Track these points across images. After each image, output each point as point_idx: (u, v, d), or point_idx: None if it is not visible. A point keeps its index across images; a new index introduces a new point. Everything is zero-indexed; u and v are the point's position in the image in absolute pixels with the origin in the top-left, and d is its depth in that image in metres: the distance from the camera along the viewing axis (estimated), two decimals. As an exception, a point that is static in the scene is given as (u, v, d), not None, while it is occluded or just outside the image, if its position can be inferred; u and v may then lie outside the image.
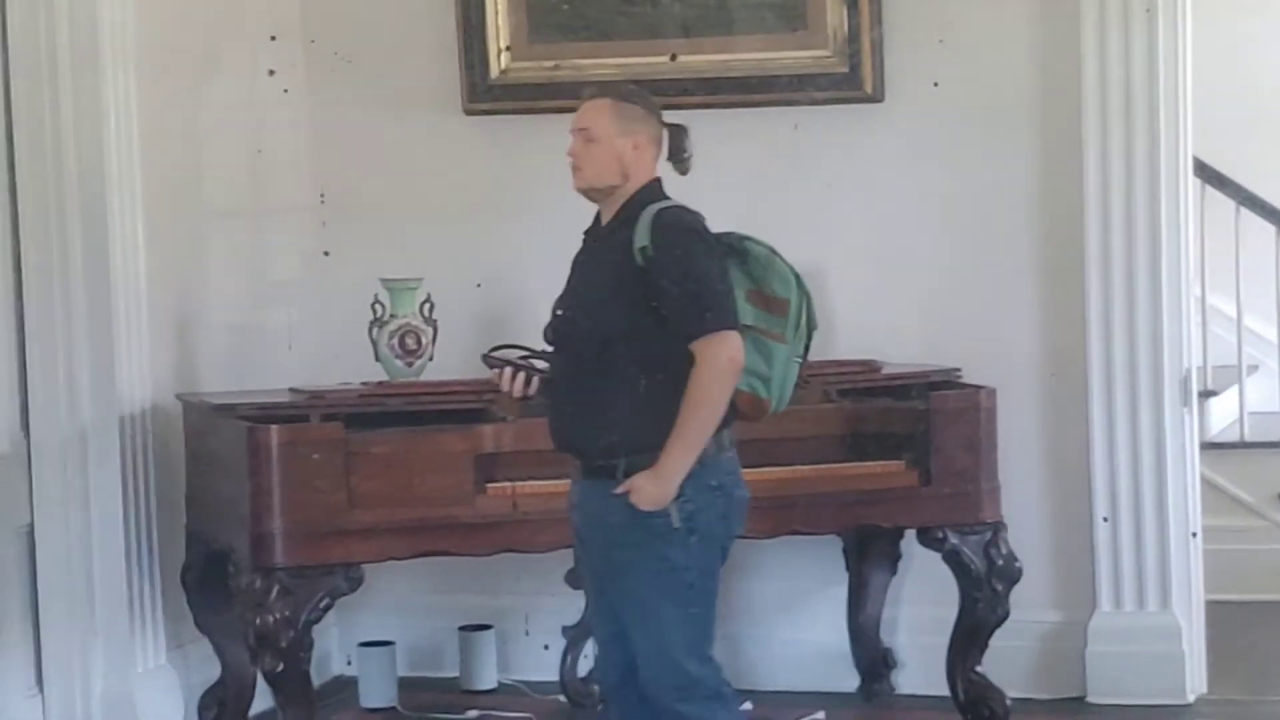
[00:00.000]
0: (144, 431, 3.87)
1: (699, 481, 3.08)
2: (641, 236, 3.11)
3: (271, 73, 4.09)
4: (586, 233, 3.29)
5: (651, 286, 3.10)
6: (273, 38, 4.10)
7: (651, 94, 3.38)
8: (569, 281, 3.28)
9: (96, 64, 3.83)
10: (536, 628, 4.08)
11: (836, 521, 3.59)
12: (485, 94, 4.00)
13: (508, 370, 3.14)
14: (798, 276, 3.21)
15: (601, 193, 3.21)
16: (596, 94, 3.28)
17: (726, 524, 3.15)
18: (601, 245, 3.22)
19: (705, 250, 3.14)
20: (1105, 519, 3.73)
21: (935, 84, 3.79)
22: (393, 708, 4.01)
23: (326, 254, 4.14)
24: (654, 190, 3.18)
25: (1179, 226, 3.70)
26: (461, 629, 4.08)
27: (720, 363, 3.07)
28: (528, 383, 3.15)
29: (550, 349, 3.26)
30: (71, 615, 3.82)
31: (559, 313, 3.21)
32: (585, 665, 3.80)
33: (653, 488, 3.05)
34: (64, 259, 3.85)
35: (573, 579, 3.76)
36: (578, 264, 3.29)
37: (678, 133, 3.23)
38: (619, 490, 3.06)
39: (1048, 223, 3.81)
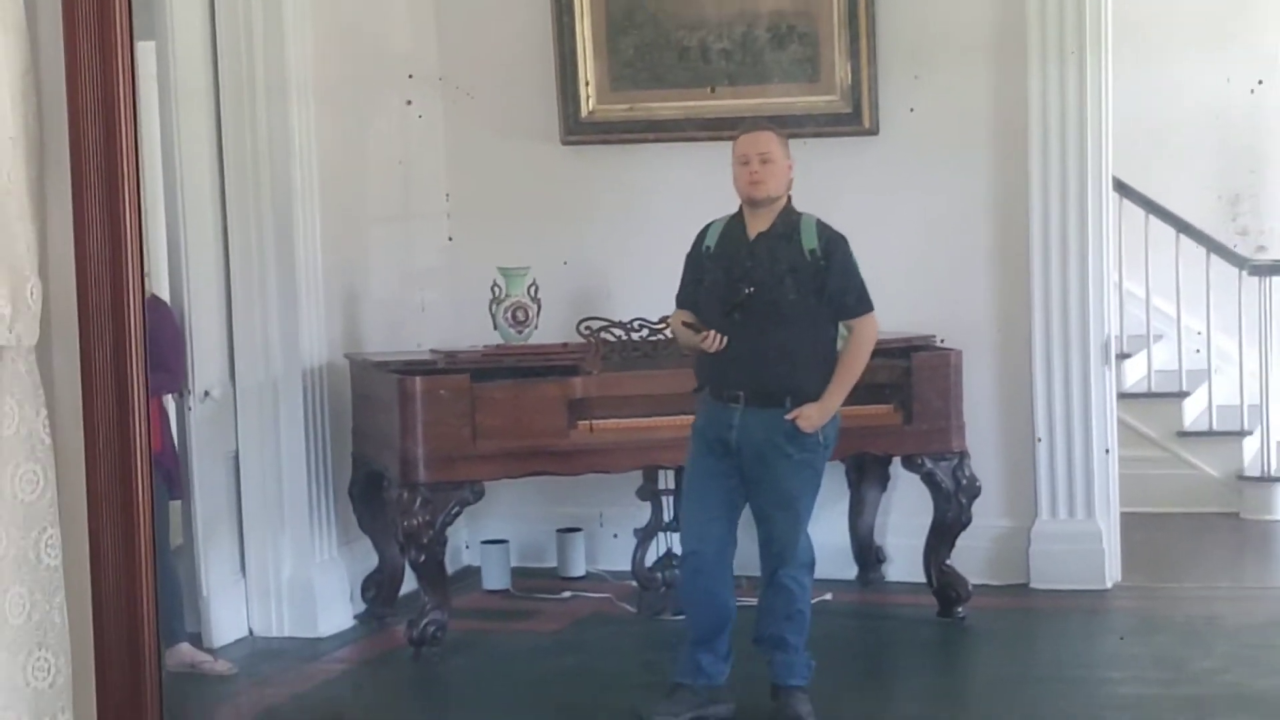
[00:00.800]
0: (320, 381, 3.91)
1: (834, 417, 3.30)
2: (809, 240, 3.28)
3: (409, 103, 4.05)
4: (725, 236, 3.35)
5: (820, 277, 3.27)
6: (410, 76, 4.08)
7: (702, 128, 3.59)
8: (727, 274, 3.34)
9: (285, 98, 3.86)
10: (612, 529, 4.05)
11: (841, 450, 3.44)
12: (577, 129, 3.94)
13: (714, 332, 3.22)
14: None
15: (772, 201, 3.27)
16: (765, 127, 3.33)
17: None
18: (775, 245, 3.28)
19: (852, 253, 3.29)
20: (1039, 439, 3.72)
21: (911, 109, 3.77)
22: (506, 590, 4.01)
23: (450, 239, 4.12)
24: (791, 203, 3.31)
25: (1100, 228, 3.67)
26: (559, 531, 4.07)
27: (871, 334, 3.31)
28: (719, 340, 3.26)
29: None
30: (266, 520, 3.85)
31: (748, 291, 3.26)
32: (651, 557, 3.80)
33: (818, 416, 3.22)
34: (260, 250, 3.87)
35: (642, 493, 3.78)
36: (737, 259, 3.33)
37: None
38: (790, 416, 3.22)
39: (1001, 224, 3.78)
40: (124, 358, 3.20)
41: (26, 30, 3.05)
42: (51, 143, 3.07)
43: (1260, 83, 3.34)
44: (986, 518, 3.67)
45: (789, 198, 3.29)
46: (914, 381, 3.59)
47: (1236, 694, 3.30)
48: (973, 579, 3.62)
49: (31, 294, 2.88)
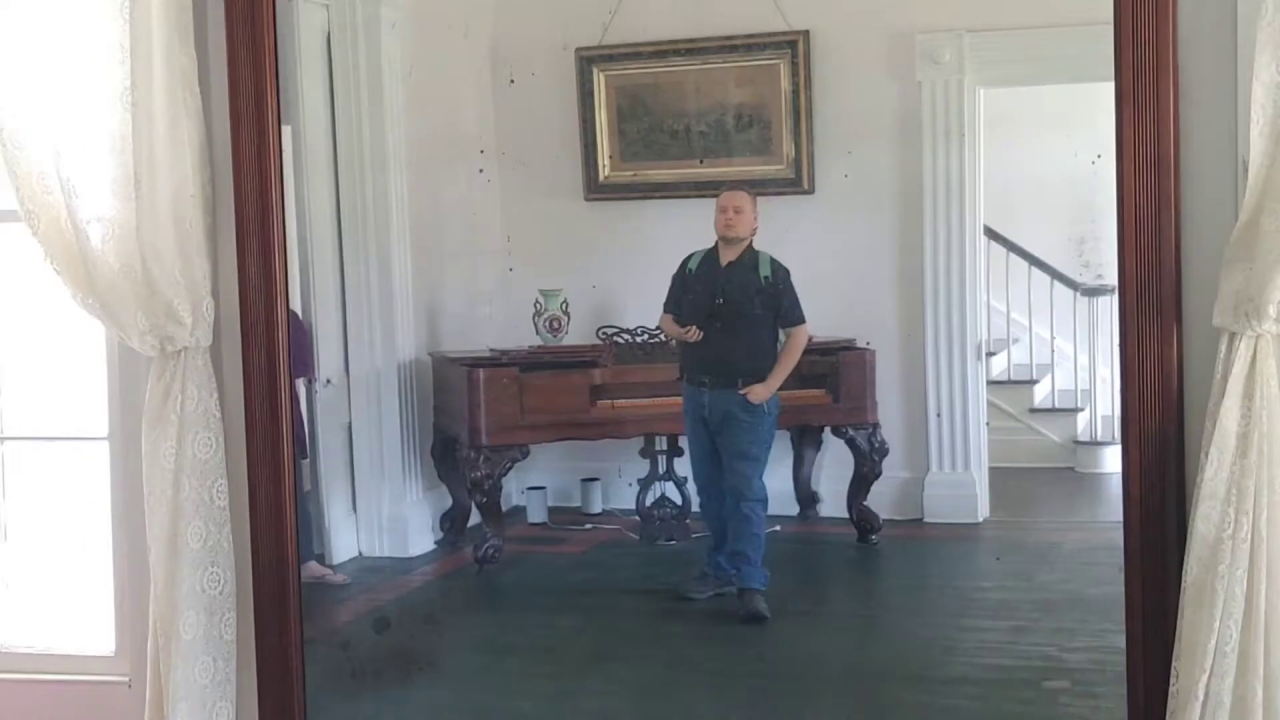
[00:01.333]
0: (410, 372, 3.97)
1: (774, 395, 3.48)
2: (764, 269, 3.50)
3: (481, 170, 4.05)
4: (701, 266, 3.58)
5: (770, 296, 3.50)
6: (481, 151, 4.06)
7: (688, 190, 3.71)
8: (705, 288, 3.57)
9: (386, 167, 3.96)
10: (623, 479, 4.02)
11: (786, 422, 3.62)
12: (596, 190, 3.94)
13: (694, 327, 3.50)
14: None
15: (740, 241, 3.52)
16: (740, 187, 3.59)
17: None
18: (739, 271, 3.52)
19: (791, 280, 3.53)
20: (938, 415, 3.77)
21: (845, 175, 3.80)
22: (544, 523, 4.03)
23: (510, 270, 4.10)
24: (752, 243, 3.54)
25: (975, 262, 3.73)
26: (582, 480, 4.08)
27: (803, 339, 3.53)
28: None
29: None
30: (371, 472, 3.94)
31: (719, 301, 3.52)
32: (649, 500, 3.87)
33: (763, 393, 3.48)
34: (367, 277, 3.95)
35: (643, 452, 3.86)
36: (711, 281, 3.56)
37: None
38: (741, 391, 3.46)
39: (902, 258, 3.79)
40: (273, 355, 3.36)
41: (202, 117, 3.24)
42: (221, 198, 3.23)
43: (1099, 156, 3.46)
44: (892, 470, 3.72)
45: (751, 239, 3.46)
46: (840, 372, 3.67)
47: (1072, 598, 3.45)
48: (882, 515, 3.72)
49: (206, 309, 3.03)
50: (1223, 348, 2.57)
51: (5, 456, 3.72)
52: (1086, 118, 3.47)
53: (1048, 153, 3.92)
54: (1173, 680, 2.62)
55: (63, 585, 3.91)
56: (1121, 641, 2.83)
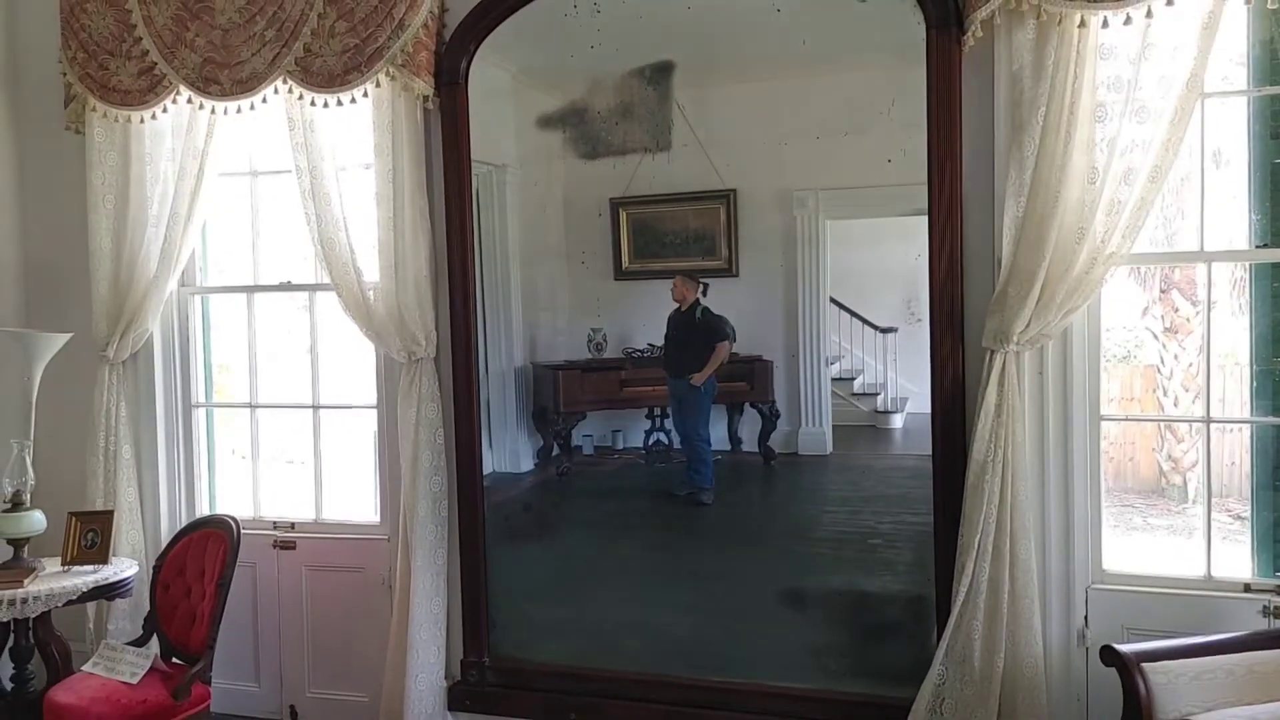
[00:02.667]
0: (522, 372, 3.93)
1: (710, 379, 3.46)
2: (698, 314, 3.52)
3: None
4: (673, 316, 3.51)
5: (703, 329, 3.50)
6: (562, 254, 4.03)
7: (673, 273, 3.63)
8: (671, 327, 3.49)
9: (509, 259, 3.92)
10: (637, 430, 3.91)
11: (723, 399, 3.67)
12: (621, 274, 3.88)
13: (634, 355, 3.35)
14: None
15: (685, 300, 3.54)
16: (681, 274, 3.60)
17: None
18: (687, 317, 3.53)
19: (718, 318, 3.51)
20: (805, 395, 3.70)
21: (755, 266, 3.77)
22: (592, 454, 3.96)
23: (575, 316, 3.99)
24: (698, 301, 3.52)
25: (824, 315, 3.73)
26: (612, 430, 3.99)
27: (721, 351, 3.52)
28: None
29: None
30: (504, 426, 3.86)
31: (677, 332, 3.49)
32: (650, 441, 3.82)
33: (699, 379, 3.50)
34: (501, 319, 3.88)
35: (647, 415, 3.80)
36: (675, 323, 3.50)
37: (705, 285, 3.56)
38: (693, 380, 3.48)
39: (786, 311, 3.74)
40: (467, 361, 3.48)
41: (430, 233, 3.31)
42: (440, 276, 3.36)
43: (919, 256, 3.27)
44: (782, 425, 3.73)
45: (696, 299, 3.54)
46: (754, 372, 3.69)
47: (880, 495, 3.49)
48: (776, 449, 3.72)
49: (431, 337, 3.18)
50: (987, 357, 2.77)
51: (322, 416, 3.85)
52: (912, 233, 3.39)
53: (890, 252, 3.80)
54: (960, 538, 2.80)
55: (351, 486, 4.02)
56: (911, 518, 3.09)
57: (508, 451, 3.87)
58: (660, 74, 3.65)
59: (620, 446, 4.08)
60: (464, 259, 3.22)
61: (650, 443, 3.92)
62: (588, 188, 4.00)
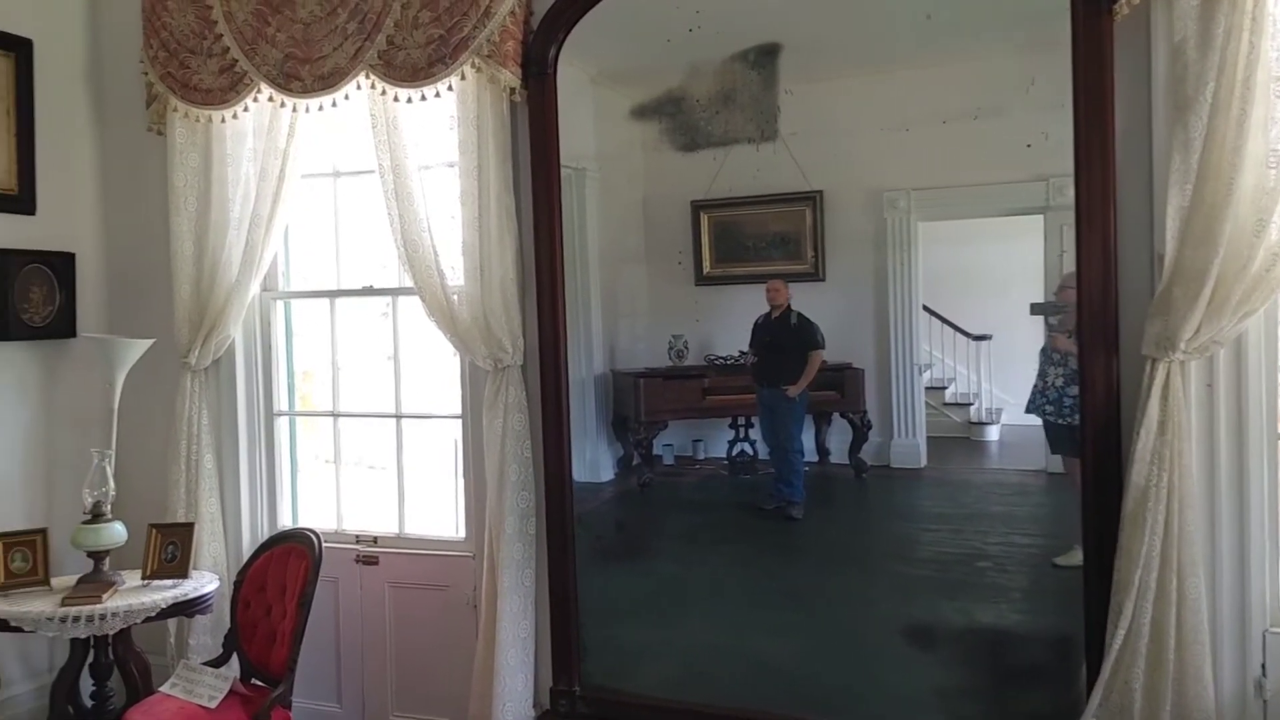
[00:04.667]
0: (601, 379, 3.67)
1: (804, 391, 3.18)
2: (794, 320, 3.21)
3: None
4: (763, 319, 3.18)
5: (799, 334, 3.18)
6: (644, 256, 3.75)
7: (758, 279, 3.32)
8: (763, 333, 3.17)
9: (589, 265, 3.61)
10: (719, 440, 3.62)
11: (813, 408, 3.34)
12: (702, 280, 3.53)
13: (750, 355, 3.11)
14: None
15: (779, 305, 3.23)
16: (777, 278, 3.28)
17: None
18: (781, 322, 3.21)
19: (812, 325, 3.19)
20: (898, 404, 3.33)
21: (843, 271, 3.42)
22: (672, 464, 3.67)
23: (655, 323, 3.70)
24: (789, 306, 3.23)
25: (916, 322, 3.32)
26: (692, 439, 3.70)
27: (817, 359, 3.20)
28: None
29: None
30: (584, 434, 3.56)
31: (770, 340, 3.16)
32: (733, 451, 3.53)
33: (794, 391, 3.19)
34: (581, 326, 3.53)
35: (731, 425, 3.48)
36: (766, 329, 3.18)
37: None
38: (789, 391, 3.18)
39: (876, 315, 3.35)
40: (556, 370, 3.08)
41: (518, 234, 2.95)
42: (527, 280, 3.00)
43: (1027, 255, 3.00)
44: (872, 437, 3.42)
45: (788, 304, 3.24)
46: (845, 381, 3.40)
47: (983, 513, 3.15)
48: (869, 462, 3.41)
49: (518, 344, 2.83)
50: (1148, 367, 2.25)
51: (403, 426, 3.47)
52: (1010, 233, 3.06)
53: (980, 255, 3.42)
54: (1116, 574, 2.28)
55: (434, 498, 3.66)
56: (1020, 539, 2.83)
57: (587, 461, 3.61)
58: (765, 57, 3.23)
59: (701, 456, 3.80)
60: (553, 260, 2.86)
61: (734, 453, 3.62)
62: (673, 188, 3.68)
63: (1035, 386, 2.95)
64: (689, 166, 3.56)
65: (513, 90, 2.92)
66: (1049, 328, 2.92)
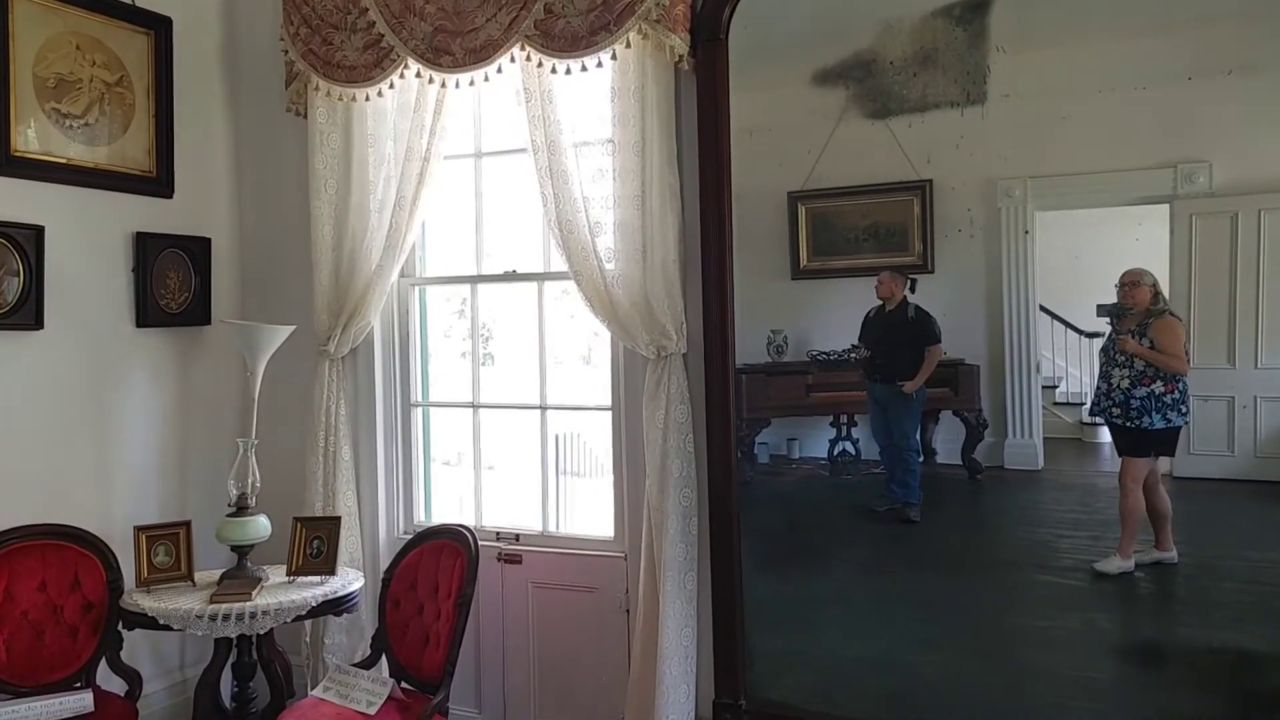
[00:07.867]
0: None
1: (921, 387, 2.98)
2: (911, 313, 2.96)
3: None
4: (875, 313, 2.92)
5: (915, 328, 2.94)
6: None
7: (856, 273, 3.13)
8: (875, 327, 2.92)
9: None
10: (820, 438, 3.40)
11: (928, 407, 3.13)
12: (798, 275, 3.40)
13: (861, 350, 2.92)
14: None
15: (892, 298, 2.99)
16: (887, 271, 3.04)
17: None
18: (896, 316, 2.97)
19: (930, 319, 2.96)
20: (1013, 403, 3.09)
21: (953, 262, 3.17)
22: (768, 463, 3.45)
23: (755, 318, 3.47)
24: (905, 299, 2.99)
25: (1032, 324, 3.06)
26: (788, 439, 3.50)
27: (936, 355, 2.96)
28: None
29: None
30: None
31: (884, 333, 2.90)
32: (835, 451, 3.30)
33: (910, 387, 2.97)
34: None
35: (833, 423, 3.26)
36: (879, 324, 2.93)
37: (913, 281, 2.99)
38: (905, 388, 2.95)
39: (989, 311, 3.11)
40: (723, 359, 2.84)
41: (681, 212, 2.69)
42: (690, 262, 2.74)
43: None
44: (988, 436, 3.18)
45: (904, 297, 3.00)
46: (958, 378, 3.17)
47: (1110, 518, 2.88)
48: (983, 463, 3.17)
49: (683, 329, 2.58)
50: None
51: (550, 416, 3.22)
52: (1127, 222, 2.76)
53: (1090, 247, 3.17)
54: None
55: (581, 498, 3.39)
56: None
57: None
58: (973, 12, 2.91)
59: (796, 456, 3.61)
60: (721, 241, 2.57)
61: (836, 452, 3.40)
62: (764, 181, 3.35)
63: (1099, 389, 2.69)
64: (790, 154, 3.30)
65: (680, 58, 2.60)
66: (1114, 329, 2.64)
